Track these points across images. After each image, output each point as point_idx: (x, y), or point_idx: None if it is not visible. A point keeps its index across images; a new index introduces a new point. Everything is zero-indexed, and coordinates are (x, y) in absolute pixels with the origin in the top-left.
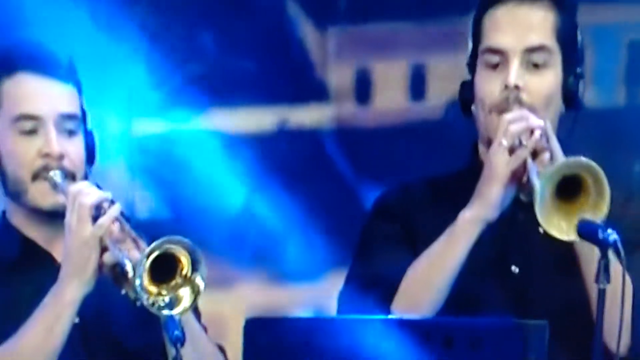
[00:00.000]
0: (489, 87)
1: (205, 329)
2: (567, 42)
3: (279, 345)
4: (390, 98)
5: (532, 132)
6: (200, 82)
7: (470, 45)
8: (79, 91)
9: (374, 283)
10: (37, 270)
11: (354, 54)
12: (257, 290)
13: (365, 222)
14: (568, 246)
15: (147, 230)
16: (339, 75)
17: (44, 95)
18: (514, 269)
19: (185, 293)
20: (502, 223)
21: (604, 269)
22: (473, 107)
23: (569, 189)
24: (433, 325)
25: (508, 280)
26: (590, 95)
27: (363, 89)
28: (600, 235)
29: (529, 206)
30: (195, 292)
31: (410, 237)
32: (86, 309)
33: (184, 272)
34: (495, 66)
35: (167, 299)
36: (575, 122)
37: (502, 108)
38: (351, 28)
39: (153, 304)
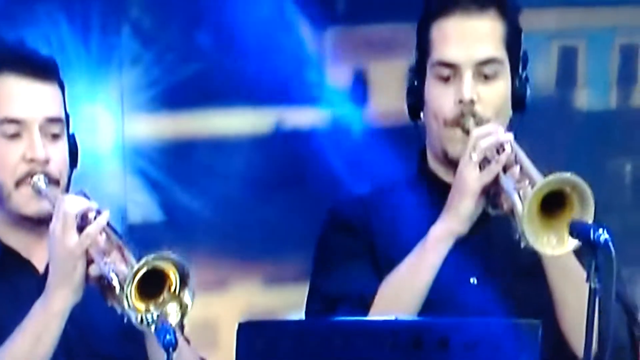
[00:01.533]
0: (441, 100)
1: (187, 341)
2: (513, 48)
3: (273, 349)
4: (387, 100)
5: (501, 146)
6: (196, 82)
7: (415, 51)
8: (63, 93)
9: (343, 299)
10: (16, 279)
11: (351, 55)
12: (251, 293)
13: (322, 236)
14: (528, 255)
15: (140, 234)
16: (335, 77)
17: (27, 98)
18: (473, 280)
19: (172, 309)
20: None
21: (595, 269)
22: (422, 115)
23: (551, 203)
24: (427, 327)
25: (467, 292)
26: (583, 98)
27: (360, 90)
28: (592, 235)
29: (491, 219)
30: (183, 309)
31: (369, 250)
32: (69, 319)
33: (172, 289)
34: (446, 79)
35: (154, 315)
36: (521, 124)
37: (457, 121)
38: (349, 29)
39: (141, 321)
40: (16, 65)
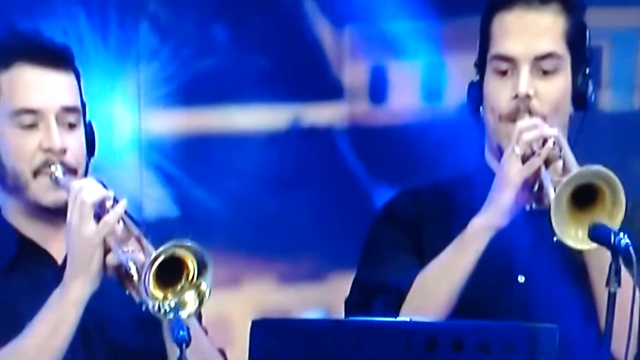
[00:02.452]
0: (499, 94)
1: (205, 332)
2: (576, 44)
3: (286, 348)
4: (405, 97)
5: (545, 140)
6: (213, 78)
7: (478, 46)
8: (79, 81)
9: (381, 290)
10: (34, 270)
11: (369, 52)
12: (265, 290)
13: (372, 227)
14: (575, 255)
15: (155, 229)
16: (353, 74)
17: (43, 88)
18: (521, 278)
19: (190, 298)
20: (509, 232)
21: (614, 274)
22: (481, 109)
23: (584, 197)
24: (442, 329)
25: (514, 290)
26: (606, 99)
27: (378, 88)
28: (613, 239)
29: (538, 215)
30: (201, 297)
31: (417, 245)
32: (86, 310)
33: (190, 276)
34: (504, 73)
35: (172, 303)
36: (584, 122)
37: (512, 116)
38: (367, 27)
39: (158, 309)
40: (31, 54)
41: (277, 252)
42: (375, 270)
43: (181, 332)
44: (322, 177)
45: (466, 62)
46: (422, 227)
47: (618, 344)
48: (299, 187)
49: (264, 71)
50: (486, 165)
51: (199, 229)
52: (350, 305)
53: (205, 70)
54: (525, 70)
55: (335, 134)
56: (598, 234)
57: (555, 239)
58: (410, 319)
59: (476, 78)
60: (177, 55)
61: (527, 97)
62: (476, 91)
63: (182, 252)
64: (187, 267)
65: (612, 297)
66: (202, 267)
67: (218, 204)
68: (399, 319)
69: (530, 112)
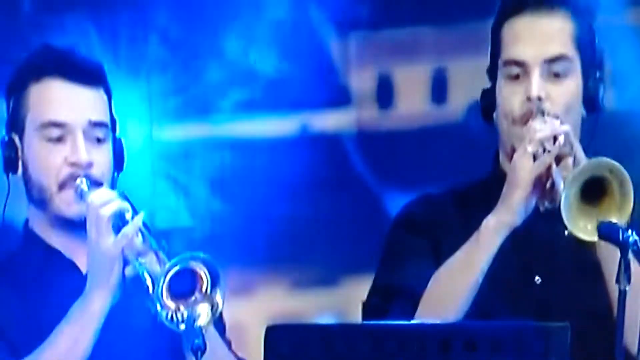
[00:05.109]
0: (511, 98)
1: (229, 343)
2: (585, 48)
3: (301, 353)
4: (412, 102)
5: (556, 138)
6: (222, 88)
7: (489, 53)
8: (109, 98)
9: (398, 294)
10: (60, 279)
11: (375, 58)
12: (278, 297)
13: (389, 233)
14: (590, 253)
15: (168, 238)
16: (360, 80)
17: (72, 102)
18: (537, 279)
19: (203, 310)
20: (525, 233)
21: (624, 270)
22: (495, 115)
23: (593, 191)
24: (455, 330)
25: (531, 291)
26: (609, 98)
27: (385, 93)
28: (621, 236)
29: (552, 215)
30: (214, 309)
31: (435, 250)
32: (106, 318)
33: (203, 289)
34: (516, 77)
35: (185, 314)
36: (597, 125)
37: (525, 119)
38: (373, 33)
39: (172, 320)
40: (62, 69)
41: (289, 258)
42: (394, 276)
43: (196, 341)
44: (333, 183)
45: (469, 66)
46: (440, 233)
47: (632, 338)
48: (309, 194)
49: (272, 80)
50: (501, 170)
51: (211, 237)
52: (368, 309)
53: (214, 81)
54: (536, 73)
55: (344, 140)
56: (606, 232)
57: (566, 232)
58: (423, 322)
59: (488, 85)
60: (186, 67)
61: (539, 99)
62: (489, 98)
63: (195, 265)
64: (201, 279)
65: (622, 294)
66: (215, 279)
67: (230, 212)
68: (412, 321)
69: (543, 115)
